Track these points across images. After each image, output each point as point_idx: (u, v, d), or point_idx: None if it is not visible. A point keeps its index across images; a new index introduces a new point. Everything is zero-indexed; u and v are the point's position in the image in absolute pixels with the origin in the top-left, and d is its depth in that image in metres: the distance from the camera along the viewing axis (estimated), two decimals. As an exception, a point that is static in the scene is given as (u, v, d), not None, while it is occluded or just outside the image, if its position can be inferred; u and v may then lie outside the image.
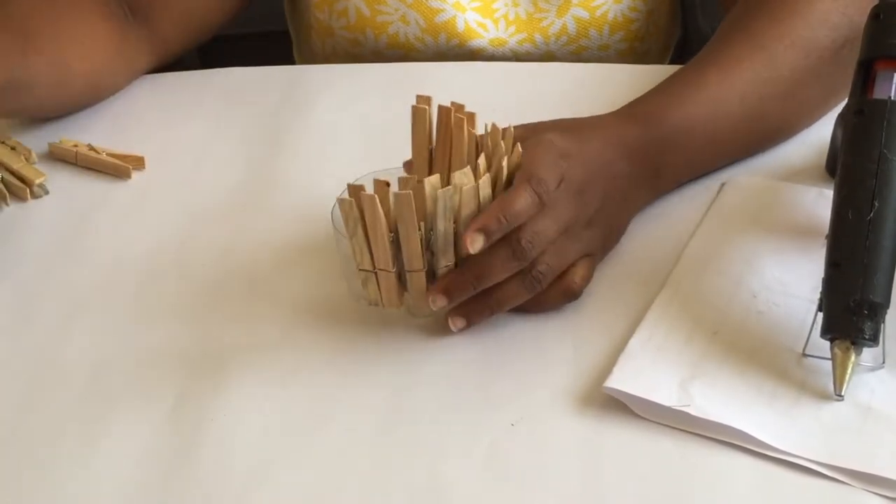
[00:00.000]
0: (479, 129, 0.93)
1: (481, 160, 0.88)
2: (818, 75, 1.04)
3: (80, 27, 1.16)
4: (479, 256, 0.89)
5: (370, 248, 0.89)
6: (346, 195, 0.87)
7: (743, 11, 1.09)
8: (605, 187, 0.94)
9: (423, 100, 0.95)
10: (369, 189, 0.87)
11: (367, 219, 0.87)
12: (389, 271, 0.89)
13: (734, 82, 1.02)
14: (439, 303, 0.90)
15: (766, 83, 1.03)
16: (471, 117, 0.93)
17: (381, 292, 0.91)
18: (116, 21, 1.19)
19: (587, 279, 0.94)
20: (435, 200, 0.86)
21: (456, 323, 0.92)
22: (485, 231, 0.87)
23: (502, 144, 0.89)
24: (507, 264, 0.89)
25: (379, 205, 0.86)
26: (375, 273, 0.90)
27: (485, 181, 0.87)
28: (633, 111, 1.01)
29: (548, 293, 0.92)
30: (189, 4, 1.22)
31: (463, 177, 0.86)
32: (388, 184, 0.88)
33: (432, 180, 0.87)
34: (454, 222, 0.88)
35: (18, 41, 1.08)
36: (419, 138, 0.96)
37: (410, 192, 0.86)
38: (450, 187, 0.86)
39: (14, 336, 0.96)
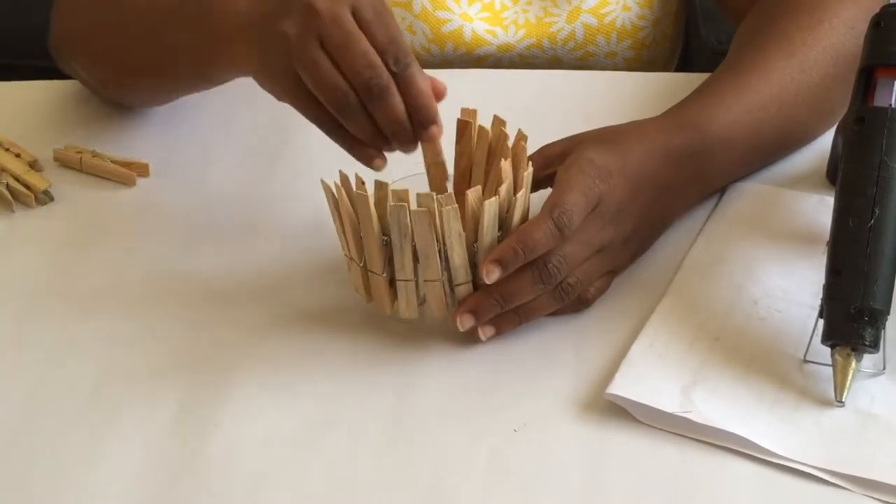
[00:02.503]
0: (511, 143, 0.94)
1: (473, 192, 0.87)
2: (844, 81, 1.04)
3: None
4: (506, 278, 0.89)
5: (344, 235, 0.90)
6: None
7: (767, 18, 1.09)
8: (646, 201, 0.95)
9: (469, 113, 0.95)
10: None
11: (340, 208, 0.89)
12: (356, 262, 0.91)
13: (772, 89, 1.02)
14: (466, 324, 0.91)
15: (799, 90, 1.03)
16: (500, 137, 0.93)
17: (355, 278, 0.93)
18: None
19: (602, 291, 0.95)
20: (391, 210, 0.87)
21: (486, 332, 0.92)
22: (501, 263, 0.88)
23: (509, 176, 0.89)
24: (533, 287, 0.90)
25: (345, 196, 0.88)
26: (349, 259, 0.91)
27: (451, 212, 0.86)
28: (676, 118, 1.01)
29: None
30: None
31: (428, 199, 0.87)
32: (363, 182, 0.89)
33: (401, 194, 0.87)
34: (412, 240, 0.88)
35: None
36: (463, 150, 0.96)
37: (365, 194, 0.87)
38: (401, 203, 0.86)
39: (19, 342, 0.96)
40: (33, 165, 1.10)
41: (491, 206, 0.87)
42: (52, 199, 1.08)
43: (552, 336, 0.93)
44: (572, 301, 0.93)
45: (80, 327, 0.97)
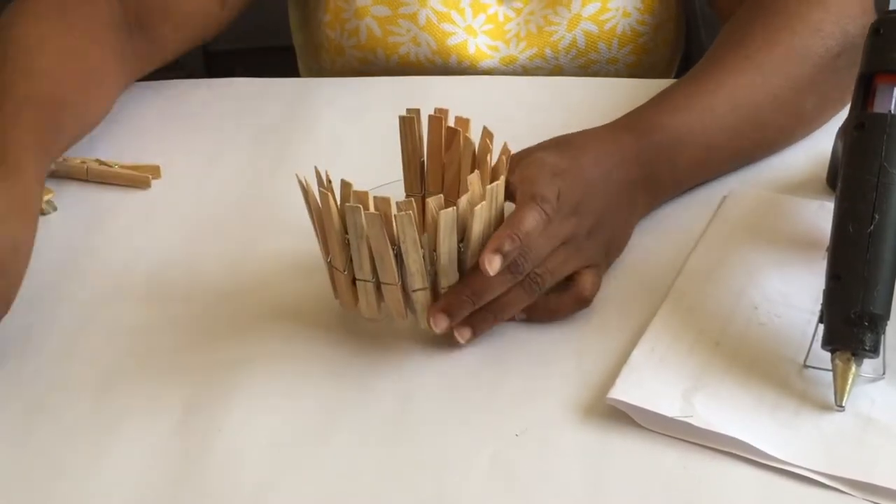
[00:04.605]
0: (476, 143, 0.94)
1: (434, 200, 0.87)
2: (814, 84, 1.05)
3: (104, 81, 1.15)
4: (475, 273, 0.90)
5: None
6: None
7: (737, 24, 1.10)
8: (602, 199, 0.95)
9: (461, 122, 0.96)
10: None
11: (310, 203, 0.91)
12: (324, 258, 0.92)
13: (726, 91, 1.04)
14: (441, 324, 0.91)
15: (758, 92, 1.04)
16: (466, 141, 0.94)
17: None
18: (119, 42, 1.17)
19: (597, 286, 0.95)
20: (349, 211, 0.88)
21: (463, 334, 0.92)
22: (501, 251, 0.88)
23: (473, 187, 0.89)
24: (502, 278, 0.90)
25: (313, 193, 0.89)
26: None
27: (406, 216, 0.87)
28: (627, 121, 1.02)
29: (560, 302, 0.94)
30: (188, 12, 1.22)
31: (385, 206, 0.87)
32: (330, 180, 0.90)
33: (361, 196, 0.87)
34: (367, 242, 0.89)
35: (54, 118, 1.07)
36: (452, 158, 0.96)
37: (327, 192, 0.88)
38: (356, 204, 0.87)
39: (23, 346, 0.96)
40: (32, 175, 1.10)
41: (446, 216, 0.87)
42: (55, 208, 1.08)
43: (553, 341, 0.93)
44: (571, 301, 0.94)
45: (83, 332, 0.97)
